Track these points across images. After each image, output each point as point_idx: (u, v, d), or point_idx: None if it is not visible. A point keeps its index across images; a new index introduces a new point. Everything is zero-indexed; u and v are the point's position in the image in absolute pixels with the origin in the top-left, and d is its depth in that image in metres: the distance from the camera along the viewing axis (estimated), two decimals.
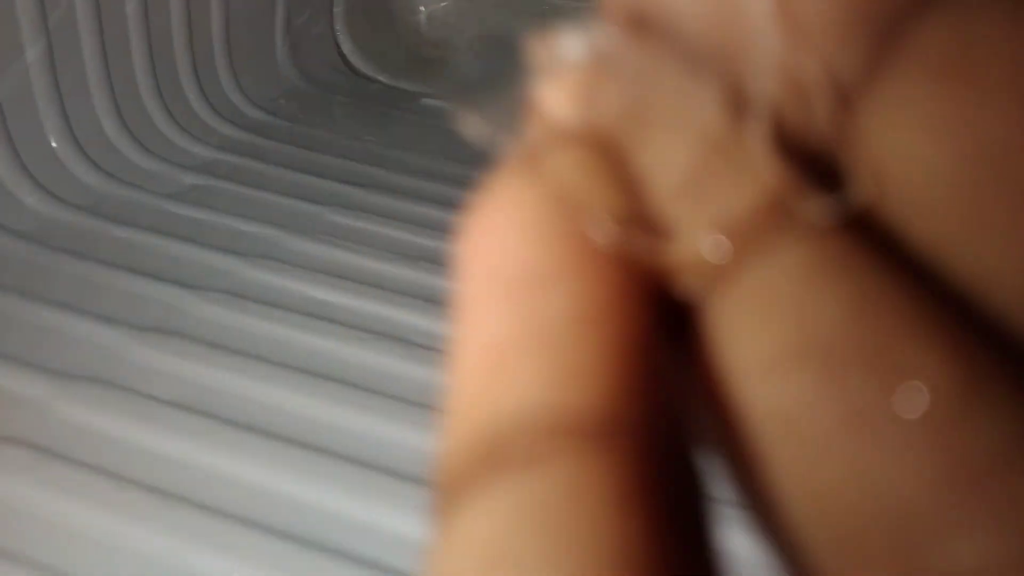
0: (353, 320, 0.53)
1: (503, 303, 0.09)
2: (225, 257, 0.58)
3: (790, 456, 0.08)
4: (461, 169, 0.67)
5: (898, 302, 0.08)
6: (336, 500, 0.43)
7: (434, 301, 0.54)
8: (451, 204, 0.63)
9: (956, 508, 0.07)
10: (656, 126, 0.09)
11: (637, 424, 0.08)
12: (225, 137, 0.73)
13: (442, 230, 0.61)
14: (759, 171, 0.08)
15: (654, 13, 0.09)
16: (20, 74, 0.59)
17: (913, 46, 0.08)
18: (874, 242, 0.08)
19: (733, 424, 0.08)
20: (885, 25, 0.08)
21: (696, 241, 0.08)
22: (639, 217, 0.09)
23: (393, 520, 0.42)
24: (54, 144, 0.63)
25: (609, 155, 0.09)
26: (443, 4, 0.93)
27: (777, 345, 0.08)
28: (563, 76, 0.09)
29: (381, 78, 0.87)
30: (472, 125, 0.10)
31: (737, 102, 0.09)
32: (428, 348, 0.51)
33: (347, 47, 0.89)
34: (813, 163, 0.08)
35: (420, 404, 0.47)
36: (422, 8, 0.93)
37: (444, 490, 0.09)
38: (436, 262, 0.58)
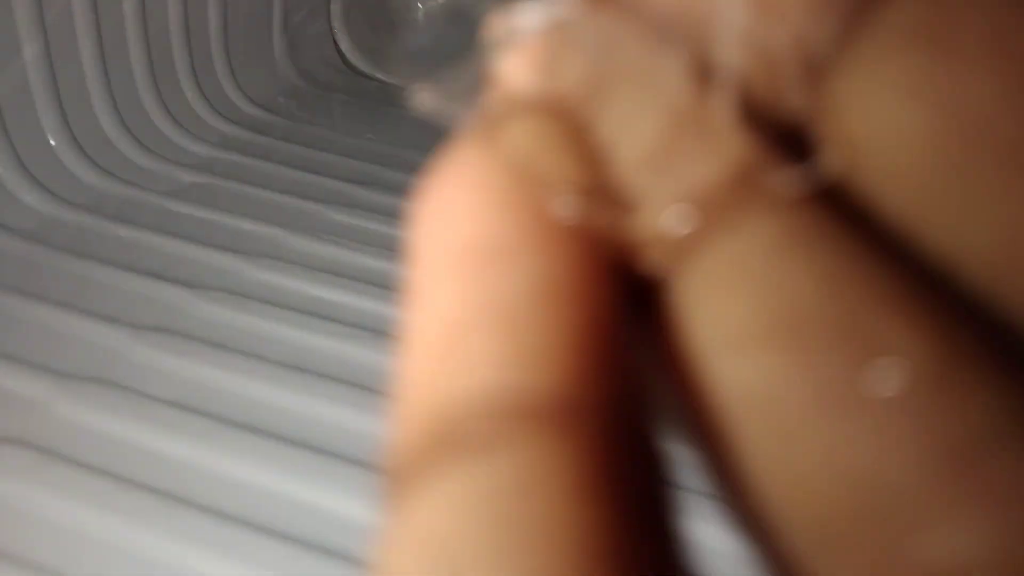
0: (354, 319, 0.53)
1: (458, 278, 0.08)
2: (225, 256, 0.58)
3: (761, 437, 0.08)
4: None
5: (872, 275, 0.07)
6: (339, 502, 0.42)
7: None
8: None
9: (937, 492, 0.07)
10: (620, 96, 0.08)
11: (599, 407, 0.08)
12: (224, 135, 0.73)
13: None
14: (726, 142, 0.08)
15: None
16: (18, 72, 0.59)
17: (887, 15, 0.08)
18: (846, 214, 0.08)
19: (700, 404, 0.08)
20: None
21: (661, 213, 0.08)
22: (601, 189, 0.08)
23: None
24: (52, 142, 0.62)
25: (570, 126, 0.09)
26: (441, 2, 0.93)
27: (746, 321, 0.08)
28: (524, 45, 0.09)
29: (379, 76, 0.87)
30: (426, 100, 0.09)
31: (704, 72, 0.08)
32: None
33: (345, 45, 0.89)
34: (782, 134, 0.08)
35: None
36: (420, 5, 0.93)
37: (394, 476, 0.08)
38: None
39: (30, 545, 0.40)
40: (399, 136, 0.75)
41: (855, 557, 0.07)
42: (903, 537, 0.07)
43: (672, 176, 0.08)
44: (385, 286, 0.56)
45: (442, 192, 0.09)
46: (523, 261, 0.08)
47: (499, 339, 0.08)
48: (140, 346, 0.50)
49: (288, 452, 0.44)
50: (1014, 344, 0.07)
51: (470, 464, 0.08)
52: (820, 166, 0.08)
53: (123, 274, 0.55)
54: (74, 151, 0.63)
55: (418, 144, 0.73)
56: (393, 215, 0.63)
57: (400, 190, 0.66)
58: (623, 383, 0.08)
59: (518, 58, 0.09)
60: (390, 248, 0.59)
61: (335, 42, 0.89)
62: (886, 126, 0.08)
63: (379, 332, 0.52)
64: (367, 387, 0.48)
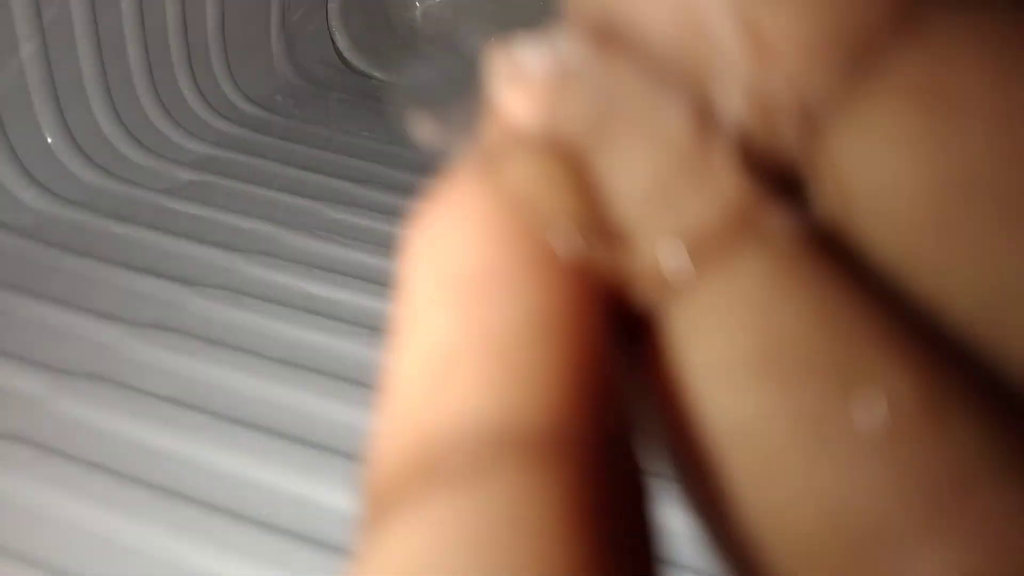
0: (351, 315, 0.53)
1: (450, 307, 0.08)
2: (222, 253, 0.58)
3: (747, 467, 0.08)
4: None
5: (860, 314, 0.08)
6: (337, 497, 0.42)
7: None
8: None
9: (918, 524, 0.07)
10: (620, 135, 0.09)
11: (588, 439, 0.08)
12: (221, 133, 0.73)
13: None
14: (723, 183, 0.08)
15: (621, 25, 0.09)
16: (15, 70, 0.59)
17: (887, 69, 0.08)
18: (837, 256, 0.08)
19: (688, 434, 0.08)
20: (857, 48, 0.08)
21: (656, 249, 0.08)
22: (597, 224, 0.08)
23: None
24: (50, 140, 0.62)
25: (569, 162, 0.09)
26: (439, 1, 0.93)
27: (735, 354, 0.08)
28: (527, 81, 0.09)
29: (377, 74, 0.87)
30: (425, 128, 0.09)
31: (703, 115, 0.08)
32: None
33: (343, 43, 0.89)
34: (777, 176, 0.08)
35: None
36: (417, 4, 0.93)
37: (373, 501, 0.08)
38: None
39: (28, 540, 0.40)
40: (396, 134, 0.75)
41: None
42: (884, 569, 0.07)
43: (668, 214, 0.08)
44: (381, 283, 0.56)
45: (437, 221, 0.09)
46: (516, 292, 0.08)
47: (490, 369, 0.08)
48: (137, 343, 0.50)
49: (285, 447, 0.45)
50: (995, 385, 0.07)
51: (455, 493, 0.08)
52: (813, 209, 0.08)
53: (120, 271, 0.55)
54: (71, 149, 0.63)
55: (415, 143, 0.73)
56: (390, 213, 0.63)
57: (397, 188, 0.66)
58: (612, 415, 0.08)
59: (520, 93, 0.09)
60: (387, 245, 0.59)
61: (332, 40, 0.89)
62: (880, 177, 0.08)
63: (375, 329, 0.52)
64: (363, 383, 0.48)
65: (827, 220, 0.08)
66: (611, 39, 0.09)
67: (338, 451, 0.45)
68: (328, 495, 0.43)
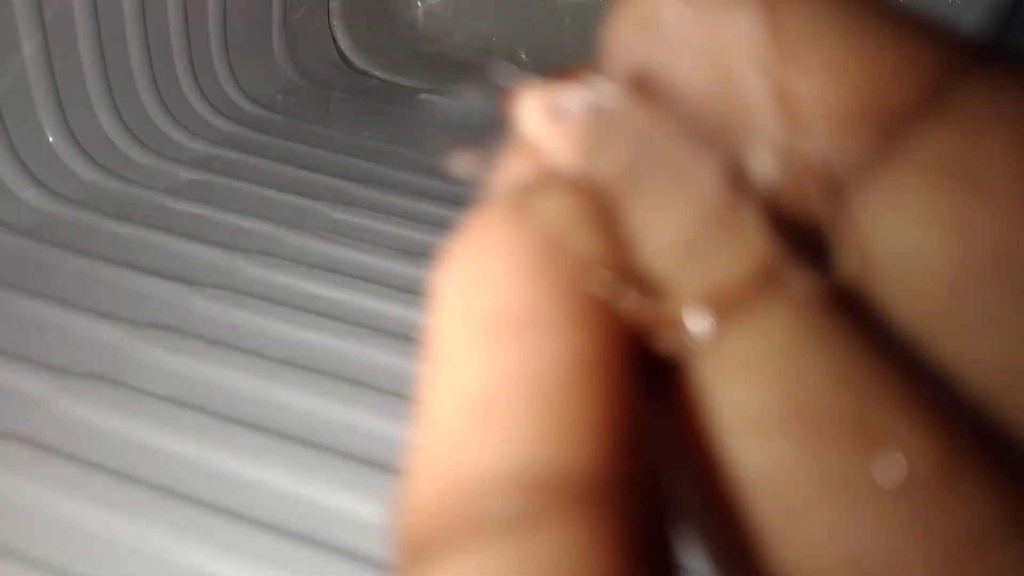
0: (352, 315, 0.53)
1: (484, 347, 0.08)
2: (223, 253, 0.58)
3: (769, 515, 0.08)
4: None
5: (881, 375, 0.08)
6: (337, 497, 0.43)
7: None
8: (450, 200, 0.63)
9: None
10: (653, 186, 0.09)
11: (624, 486, 0.08)
12: (222, 133, 0.73)
13: (441, 226, 0.61)
14: (751, 241, 0.08)
15: (658, 76, 0.09)
16: (17, 69, 0.59)
17: (915, 144, 0.08)
18: (861, 318, 0.08)
19: (713, 480, 0.08)
20: (887, 121, 0.08)
21: (684, 302, 0.08)
22: (625, 268, 0.09)
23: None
24: (51, 139, 0.62)
25: (602, 207, 0.09)
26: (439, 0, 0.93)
27: (762, 407, 0.08)
28: (565, 121, 0.09)
29: (378, 74, 0.87)
30: (465, 166, 0.09)
31: (735, 172, 0.09)
32: None
33: (344, 43, 0.89)
34: (804, 237, 0.08)
35: None
36: (419, 3, 0.93)
37: (409, 545, 0.08)
38: (435, 258, 0.58)
39: (29, 540, 0.40)
40: (397, 134, 0.75)
41: None
42: None
43: (698, 268, 0.08)
44: (383, 283, 0.56)
45: (469, 257, 0.09)
46: (551, 333, 0.08)
47: (528, 412, 0.08)
48: (138, 342, 0.50)
49: (285, 447, 0.45)
50: (1010, 452, 0.08)
51: (503, 540, 0.08)
52: (837, 272, 0.08)
53: (121, 271, 0.55)
54: (73, 148, 0.63)
55: (416, 143, 0.73)
56: (391, 212, 0.63)
57: (398, 188, 0.66)
58: (643, 461, 0.08)
59: (560, 135, 0.09)
60: (388, 245, 0.60)
61: (334, 40, 0.89)
62: (904, 247, 0.08)
63: (376, 329, 0.52)
64: (364, 383, 0.48)
65: (850, 282, 0.08)
66: (648, 89, 0.09)
67: (338, 451, 0.45)
68: (328, 495, 0.43)
